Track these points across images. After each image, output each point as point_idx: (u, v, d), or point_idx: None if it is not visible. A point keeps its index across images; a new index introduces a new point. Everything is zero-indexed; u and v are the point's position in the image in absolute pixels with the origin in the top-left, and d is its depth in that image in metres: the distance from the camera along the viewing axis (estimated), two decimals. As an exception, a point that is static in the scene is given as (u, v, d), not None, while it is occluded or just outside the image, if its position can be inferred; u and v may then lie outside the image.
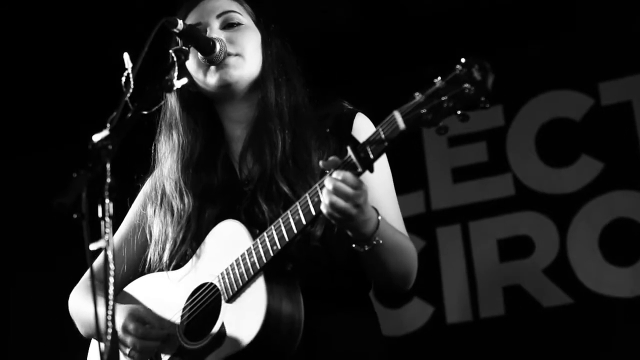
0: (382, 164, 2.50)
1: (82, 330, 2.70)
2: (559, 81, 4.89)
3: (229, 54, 2.54)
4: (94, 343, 2.73)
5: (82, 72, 5.12)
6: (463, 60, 2.04)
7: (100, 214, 1.89)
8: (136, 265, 2.70)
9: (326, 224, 2.38)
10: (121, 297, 2.65)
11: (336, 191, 2.13)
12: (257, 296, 2.29)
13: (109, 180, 1.91)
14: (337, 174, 2.13)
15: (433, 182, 5.06)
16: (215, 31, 2.57)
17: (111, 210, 1.89)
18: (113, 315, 1.87)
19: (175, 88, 2.30)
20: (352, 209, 2.15)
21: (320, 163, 2.19)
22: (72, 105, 5.30)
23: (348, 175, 2.13)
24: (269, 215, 2.39)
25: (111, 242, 1.88)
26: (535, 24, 4.88)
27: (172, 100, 2.64)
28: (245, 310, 2.31)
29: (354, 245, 2.29)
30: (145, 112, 2.34)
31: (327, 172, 2.17)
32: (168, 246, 2.56)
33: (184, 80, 2.31)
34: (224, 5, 2.64)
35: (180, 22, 2.38)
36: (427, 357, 4.93)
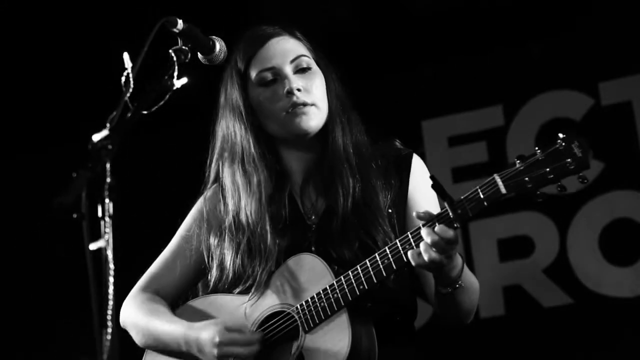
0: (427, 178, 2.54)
1: (140, 340, 2.70)
2: (559, 81, 4.89)
3: (306, 104, 2.56)
4: (148, 353, 2.72)
5: (82, 72, 5.11)
6: (562, 135, 2.22)
7: (100, 214, 1.89)
8: (189, 279, 2.74)
9: None
10: (186, 311, 2.68)
11: (435, 245, 2.25)
12: (340, 331, 2.41)
13: (109, 180, 1.91)
14: (437, 228, 2.25)
15: (433, 182, 5.04)
16: (290, 77, 2.58)
17: (111, 210, 1.89)
18: (113, 315, 1.87)
19: (175, 88, 2.30)
20: (444, 259, 2.28)
21: (414, 214, 2.31)
22: (72, 105, 5.29)
23: (446, 230, 2.25)
24: (349, 256, 2.49)
25: (111, 242, 1.88)
26: (535, 24, 4.87)
27: (245, 135, 2.63)
28: (328, 342, 2.42)
29: (436, 288, 2.43)
30: (145, 112, 2.35)
31: (421, 223, 2.29)
32: (246, 282, 2.57)
33: (184, 80, 2.31)
34: (295, 48, 2.65)
35: (180, 21, 2.37)
36: (426, 357, 4.91)
